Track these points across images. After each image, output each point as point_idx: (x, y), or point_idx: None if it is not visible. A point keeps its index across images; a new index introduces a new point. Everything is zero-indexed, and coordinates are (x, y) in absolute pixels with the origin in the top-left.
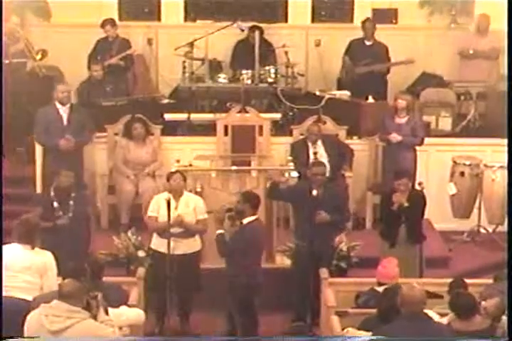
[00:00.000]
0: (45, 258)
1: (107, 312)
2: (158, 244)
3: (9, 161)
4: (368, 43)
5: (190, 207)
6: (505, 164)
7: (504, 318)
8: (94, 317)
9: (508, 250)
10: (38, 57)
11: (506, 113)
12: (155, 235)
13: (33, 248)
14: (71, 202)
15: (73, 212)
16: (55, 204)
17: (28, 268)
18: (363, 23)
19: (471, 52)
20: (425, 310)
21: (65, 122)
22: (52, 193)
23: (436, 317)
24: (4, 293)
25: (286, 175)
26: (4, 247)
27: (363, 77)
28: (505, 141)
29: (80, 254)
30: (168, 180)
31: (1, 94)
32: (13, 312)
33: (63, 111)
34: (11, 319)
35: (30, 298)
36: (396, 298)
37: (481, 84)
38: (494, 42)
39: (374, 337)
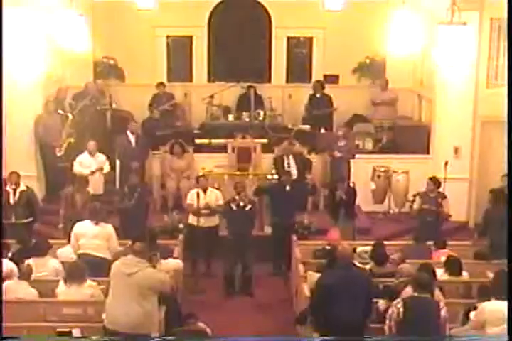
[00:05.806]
0: (108, 229)
1: (160, 264)
2: (192, 220)
3: None
4: (317, 96)
5: (213, 197)
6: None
7: (403, 265)
8: (154, 267)
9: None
10: (114, 105)
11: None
12: (191, 215)
13: (97, 223)
14: (135, 194)
15: (136, 200)
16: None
17: (97, 235)
18: (313, 84)
19: (378, 101)
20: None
21: (133, 145)
22: (125, 189)
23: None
24: (82, 252)
25: (269, 176)
26: (80, 223)
27: (316, 116)
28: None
29: (141, 226)
30: (197, 180)
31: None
32: (90, 264)
33: (133, 138)
34: (89, 268)
35: (100, 254)
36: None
37: (389, 121)
38: (392, 95)
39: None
